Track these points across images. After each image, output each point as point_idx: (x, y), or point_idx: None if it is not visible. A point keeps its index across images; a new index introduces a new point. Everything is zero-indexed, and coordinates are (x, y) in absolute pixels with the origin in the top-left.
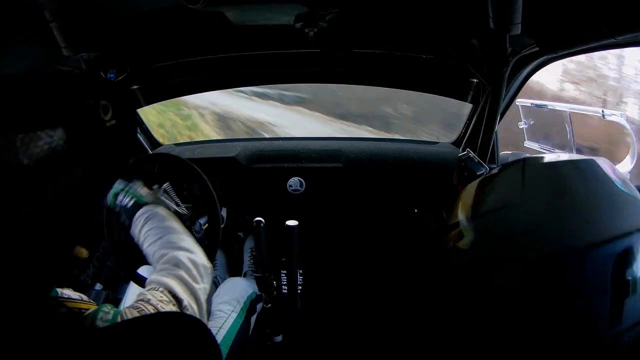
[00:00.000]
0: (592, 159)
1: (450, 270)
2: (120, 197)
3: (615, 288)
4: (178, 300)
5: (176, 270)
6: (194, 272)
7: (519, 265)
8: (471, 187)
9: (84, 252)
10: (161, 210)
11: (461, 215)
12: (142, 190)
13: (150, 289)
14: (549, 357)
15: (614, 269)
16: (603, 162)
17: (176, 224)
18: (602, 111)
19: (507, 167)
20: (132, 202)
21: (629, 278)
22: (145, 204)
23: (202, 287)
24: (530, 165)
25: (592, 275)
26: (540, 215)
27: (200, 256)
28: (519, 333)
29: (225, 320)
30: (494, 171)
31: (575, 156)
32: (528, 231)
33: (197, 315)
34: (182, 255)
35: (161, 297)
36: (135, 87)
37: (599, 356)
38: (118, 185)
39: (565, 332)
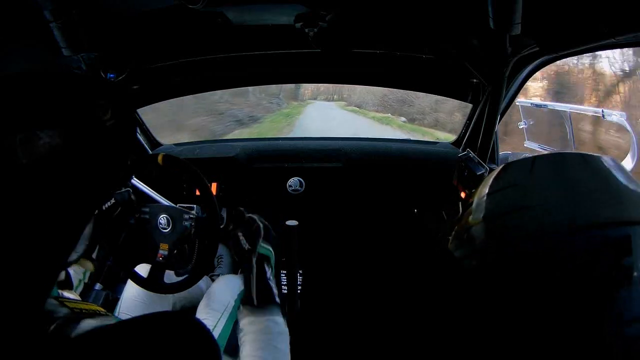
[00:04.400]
0: (599, 155)
1: (448, 269)
2: (267, 268)
3: (611, 274)
4: None
5: None
6: None
7: (520, 240)
8: (490, 175)
9: (89, 265)
10: (277, 323)
11: (475, 198)
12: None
13: None
14: (546, 347)
15: (609, 255)
16: (609, 159)
17: (282, 345)
18: (602, 111)
19: (507, 166)
20: (275, 289)
21: (626, 266)
22: (278, 306)
23: None
24: (540, 156)
25: (590, 254)
26: (543, 193)
27: None
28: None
29: (218, 320)
30: (495, 171)
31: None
32: (531, 206)
33: None
34: None
35: None
36: (135, 87)
37: (603, 346)
38: (271, 250)
39: (564, 319)
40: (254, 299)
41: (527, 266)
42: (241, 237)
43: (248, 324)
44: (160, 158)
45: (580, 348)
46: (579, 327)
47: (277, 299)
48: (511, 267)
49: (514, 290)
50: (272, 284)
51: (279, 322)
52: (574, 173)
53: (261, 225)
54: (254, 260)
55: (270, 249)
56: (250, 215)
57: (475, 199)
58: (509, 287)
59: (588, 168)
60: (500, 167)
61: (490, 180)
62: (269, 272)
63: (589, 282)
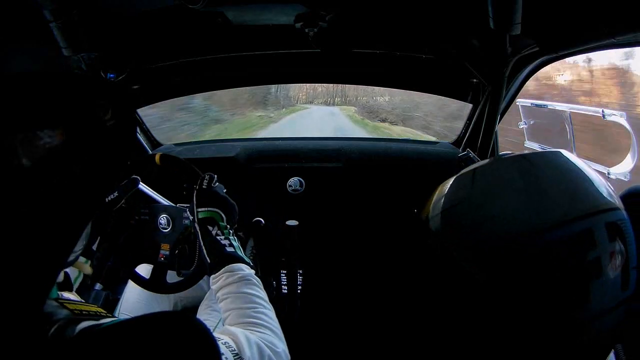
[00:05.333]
0: (549, 151)
1: (444, 268)
2: (213, 229)
3: (578, 270)
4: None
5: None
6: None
7: (484, 251)
8: (441, 186)
9: (87, 269)
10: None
11: (430, 210)
12: (238, 242)
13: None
14: (524, 345)
15: (574, 251)
16: (563, 151)
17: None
18: (603, 111)
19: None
20: (229, 246)
21: (591, 259)
22: (239, 259)
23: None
24: (480, 166)
25: (553, 258)
26: (500, 199)
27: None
28: (496, 323)
29: (220, 320)
30: (466, 169)
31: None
32: (487, 218)
33: None
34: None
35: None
36: (135, 87)
37: (580, 338)
38: (215, 210)
39: (534, 317)
40: (206, 260)
41: (493, 281)
42: (184, 211)
43: (213, 289)
44: (157, 157)
45: (555, 344)
46: (554, 329)
47: (229, 251)
48: (486, 275)
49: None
50: (221, 239)
51: (236, 270)
52: (531, 174)
53: (196, 188)
54: (197, 227)
55: (213, 209)
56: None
57: (430, 211)
58: (475, 299)
59: (545, 168)
60: (452, 179)
61: (443, 194)
62: (214, 231)
63: (559, 285)
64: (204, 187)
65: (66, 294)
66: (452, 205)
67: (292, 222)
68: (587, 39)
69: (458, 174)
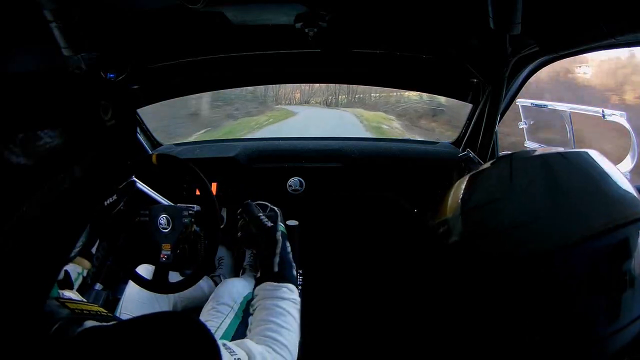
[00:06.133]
0: (582, 151)
1: (446, 269)
2: (287, 244)
3: (611, 282)
4: None
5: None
6: None
7: (508, 263)
8: (460, 183)
9: (86, 264)
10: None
11: (449, 212)
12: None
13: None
14: (542, 358)
15: (609, 262)
16: (594, 154)
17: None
18: (603, 111)
19: (495, 161)
20: (293, 264)
21: (626, 271)
22: (296, 285)
23: None
24: (518, 159)
25: (585, 270)
26: (528, 210)
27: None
28: (511, 333)
29: (222, 321)
30: (483, 166)
31: (562, 149)
32: (516, 226)
33: None
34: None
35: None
36: (135, 87)
37: (598, 355)
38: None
39: (560, 332)
40: (274, 267)
41: (520, 291)
42: (263, 217)
43: (263, 290)
44: (154, 158)
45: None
46: (580, 339)
47: (295, 273)
48: (499, 290)
49: (511, 313)
50: (290, 255)
51: (293, 291)
52: (557, 175)
53: (276, 209)
54: (278, 235)
55: (291, 225)
56: (259, 202)
57: (450, 215)
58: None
59: (571, 168)
60: (470, 175)
61: (460, 192)
62: (289, 248)
63: (591, 296)
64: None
65: (67, 293)
66: (491, 201)
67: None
68: (587, 39)
69: (487, 167)
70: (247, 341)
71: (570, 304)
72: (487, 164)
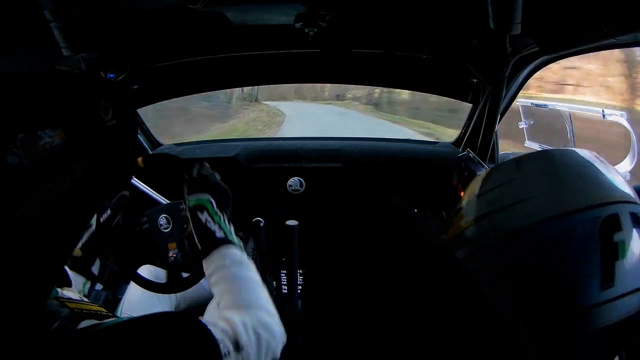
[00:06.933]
0: (578, 149)
1: (446, 268)
2: (203, 215)
3: (604, 250)
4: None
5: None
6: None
7: (510, 236)
8: (478, 177)
9: (77, 252)
10: (237, 252)
11: (464, 201)
12: (231, 228)
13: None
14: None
15: (602, 233)
16: (588, 152)
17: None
18: (603, 111)
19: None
20: (219, 231)
21: (617, 240)
22: (230, 243)
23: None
24: (524, 154)
25: (580, 237)
26: (528, 187)
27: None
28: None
29: None
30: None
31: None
32: (517, 201)
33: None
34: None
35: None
36: (135, 87)
37: (593, 320)
38: (205, 197)
39: (557, 296)
40: (198, 247)
41: (524, 261)
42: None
43: (207, 275)
44: (140, 161)
45: (578, 326)
46: (578, 310)
47: (219, 236)
48: (510, 265)
49: (513, 284)
50: (212, 225)
51: (226, 254)
52: (558, 165)
53: (186, 177)
54: (187, 214)
55: (202, 196)
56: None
57: (465, 202)
58: (508, 284)
59: (568, 157)
60: (487, 170)
61: (478, 182)
62: (204, 217)
63: (587, 263)
64: (194, 175)
65: (66, 293)
66: (494, 187)
67: (292, 222)
68: (587, 39)
69: (503, 162)
70: (224, 312)
71: (561, 271)
72: (485, 172)
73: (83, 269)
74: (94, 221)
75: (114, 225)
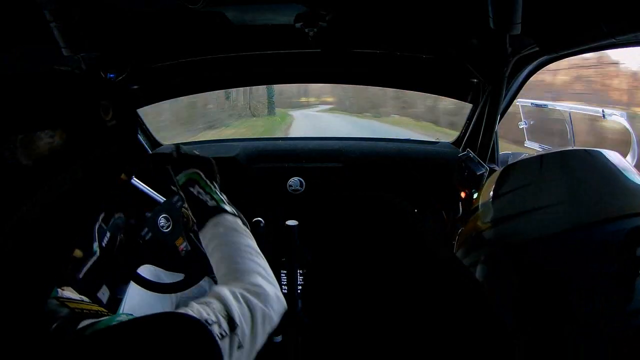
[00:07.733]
0: (602, 150)
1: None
2: (194, 189)
3: (625, 264)
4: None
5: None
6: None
7: (534, 241)
8: (494, 176)
9: (77, 252)
10: (230, 219)
11: (480, 201)
12: (223, 196)
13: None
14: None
15: (624, 246)
16: (613, 153)
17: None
18: (603, 111)
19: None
20: (211, 200)
21: (639, 255)
22: (224, 211)
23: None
24: (546, 154)
25: (601, 250)
26: (549, 193)
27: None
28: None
29: None
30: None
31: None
32: (537, 208)
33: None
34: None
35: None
36: (135, 87)
37: (610, 334)
38: (191, 170)
39: (571, 306)
40: (193, 221)
41: (542, 271)
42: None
43: (204, 247)
44: (123, 176)
45: (594, 341)
46: (596, 325)
47: (211, 205)
48: (526, 272)
49: (528, 294)
50: (204, 196)
51: (218, 223)
52: (581, 170)
53: (169, 162)
54: (181, 194)
55: (190, 170)
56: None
57: (481, 202)
58: (523, 291)
59: (594, 164)
60: (503, 168)
61: (494, 182)
62: (196, 191)
63: (606, 277)
64: (174, 157)
65: (66, 292)
66: (516, 188)
67: (292, 222)
68: (587, 39)
69: (522, 160)
70: (214, 288)
71: (579, 282)
72: (500, 170)
73: (89, 296)
74: (96, 247)
75: (117, 246)
